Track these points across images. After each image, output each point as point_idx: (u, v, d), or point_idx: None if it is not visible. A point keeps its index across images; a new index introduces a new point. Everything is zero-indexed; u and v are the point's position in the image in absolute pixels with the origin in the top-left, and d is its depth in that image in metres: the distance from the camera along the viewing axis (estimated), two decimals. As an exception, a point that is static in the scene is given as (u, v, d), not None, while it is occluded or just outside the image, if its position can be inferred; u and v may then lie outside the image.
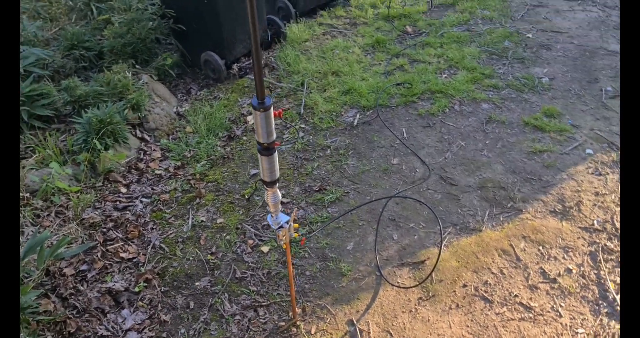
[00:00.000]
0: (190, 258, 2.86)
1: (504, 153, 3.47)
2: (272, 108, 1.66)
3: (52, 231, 2.91)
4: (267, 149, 1.77)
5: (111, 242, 2.96)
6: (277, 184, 1.93)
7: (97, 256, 2.83)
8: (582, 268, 2.68)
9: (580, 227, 2.91)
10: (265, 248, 2.89)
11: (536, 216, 3.00)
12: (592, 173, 3.27)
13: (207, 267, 2.80)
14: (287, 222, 2.03)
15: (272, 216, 2.04)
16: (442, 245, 2.83)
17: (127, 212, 3.19)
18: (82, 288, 2.64)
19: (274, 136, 1.74)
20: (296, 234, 2.12)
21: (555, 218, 2.97)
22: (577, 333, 2.38)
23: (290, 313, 2.51)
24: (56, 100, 3.65)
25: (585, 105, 3.89)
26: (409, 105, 4.00)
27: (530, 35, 4.91)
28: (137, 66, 4.21)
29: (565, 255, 2.75)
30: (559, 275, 2.65)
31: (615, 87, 4.07)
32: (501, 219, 2.99)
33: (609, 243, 2.80)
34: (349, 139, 3.69)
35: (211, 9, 4.10)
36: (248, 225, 3.05)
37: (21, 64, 3.59)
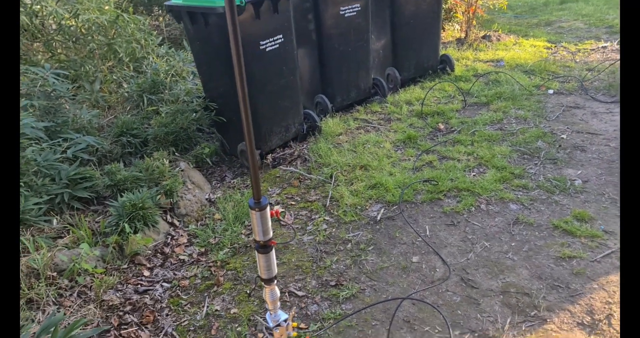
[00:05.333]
0: (199, 349, 2.85)
1: (530, 257, 3.36)
2: (268, 208, 1.74)
3: (71, 312, 3.00)
4: (263, 247, 1.82)
5: (125, 326, 3.00)
6: (275, 281, 1.96)
7: (109, 340, 2.87)
8: (609, 391, 2.47)
9: (609, 343, 2.72)
10: (274, 343, 2.84)
11: (562, 327, 2.83)
12: (625, 284, 3.09)
13: (213, 359, 2.77)
14: (285, 320, 2.03)
15: (270, 314, 2.04)
16: (457, 353, 2.69)
17: (147, 296, 3.25)
18: (88, 372, 2.66)
19: (270, 234, 1.81)
20: (295, 333, 2.10)
21: (583, 332, 2.79)
22: None
23: None
24: (98, 183, 3.91)
25: (619, 210, 3.76)
26: (435, 202, 4.00)
27: (564, 136, 4.90)
28: (176, 154, 4.49)
29: (590, 374, 2.55)
30: (583, 396, 2.44)
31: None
32: (523, 328, 2.84)
33: (640, 364, 2.58)
34: (371, 234, 3.69)
35: (251, 105, 4.38)
36: (260, 317, 3.03)
37: (72, 150, 3.91)
